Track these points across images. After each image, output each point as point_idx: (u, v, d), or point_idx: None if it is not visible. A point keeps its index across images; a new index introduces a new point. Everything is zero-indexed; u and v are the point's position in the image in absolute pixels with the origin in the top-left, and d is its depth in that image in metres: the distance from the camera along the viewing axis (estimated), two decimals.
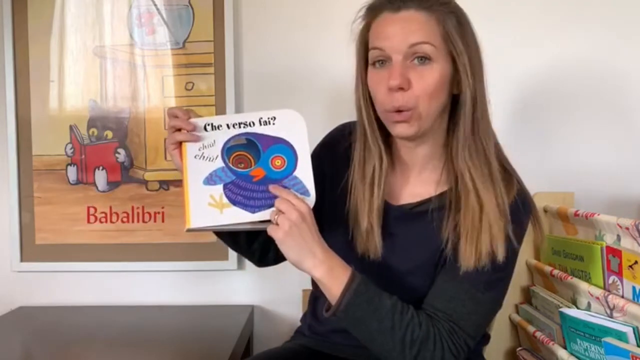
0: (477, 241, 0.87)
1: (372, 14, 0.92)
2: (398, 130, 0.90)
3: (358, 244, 0.94)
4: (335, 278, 0.86)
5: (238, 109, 1.54)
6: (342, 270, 0.87)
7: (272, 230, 0.86)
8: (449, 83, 0.90)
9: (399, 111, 0.88)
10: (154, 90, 1.56)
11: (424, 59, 0.87)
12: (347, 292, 0.85)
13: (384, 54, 0.88)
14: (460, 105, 0.90)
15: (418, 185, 0.97)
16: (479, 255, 0.87)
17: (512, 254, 0.90)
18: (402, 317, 0.86)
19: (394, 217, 0.96)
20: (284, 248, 0.86)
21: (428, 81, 0.87)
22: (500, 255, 0.87)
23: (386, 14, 0.89)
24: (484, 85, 0.91)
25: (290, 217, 0.84)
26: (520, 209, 0.91)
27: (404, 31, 0.87)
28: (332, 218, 0.98)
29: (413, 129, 0.89)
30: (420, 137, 0.93)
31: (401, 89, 0.87)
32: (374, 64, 0.91)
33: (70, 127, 1.56)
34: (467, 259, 0.87)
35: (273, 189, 0.88)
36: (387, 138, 0.96)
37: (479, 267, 0.87)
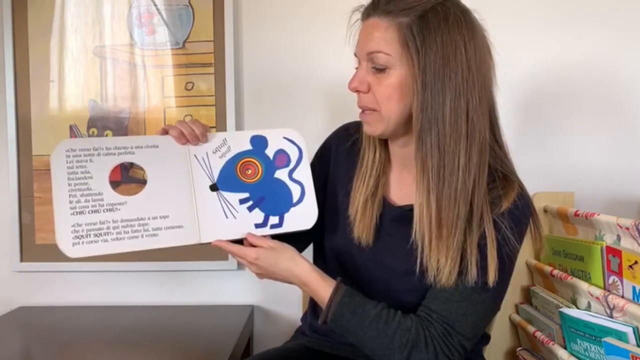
0: (446, 252, 0.87)
1: (360, 21, 0.95)
2: (365, 129, 0.96)
3: (353, 231, 0.98)
4: (322, 291, 0.91)
5: (238, 109, 1.54)
6: (328, 282, 0.92)
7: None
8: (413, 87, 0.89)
9: (364, 111, 0.94)
10: (154, 90, 1.56)
11: (379, 66, 0.89)
12: (332, 304, 0.89)
13: (358, 59, 0.94)
14: None
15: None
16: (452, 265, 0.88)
17: (511, 255, 0.90)
18: (387, 326, 0.88)
19: (392, 217, 0.98)
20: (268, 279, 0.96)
21: (384, 86, 0.89)
22: (492, 260, 0.87)
23: (363, 21, 0.93)
24: (448, 96, 0.85)
25: (248, 260, 0.93)
26: (521, 210, 0.91)
27: (366, 39, 0.91)
28: (334, 211, 1.03)
29: (376, 130, 0.93)
30: (400, 138, 0.95)
31: (359, 91, 0.92)
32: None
33: (70, 127, 1.57)
34: (448, 271, 0.88)
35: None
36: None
37: (463, 274, 0.87)
